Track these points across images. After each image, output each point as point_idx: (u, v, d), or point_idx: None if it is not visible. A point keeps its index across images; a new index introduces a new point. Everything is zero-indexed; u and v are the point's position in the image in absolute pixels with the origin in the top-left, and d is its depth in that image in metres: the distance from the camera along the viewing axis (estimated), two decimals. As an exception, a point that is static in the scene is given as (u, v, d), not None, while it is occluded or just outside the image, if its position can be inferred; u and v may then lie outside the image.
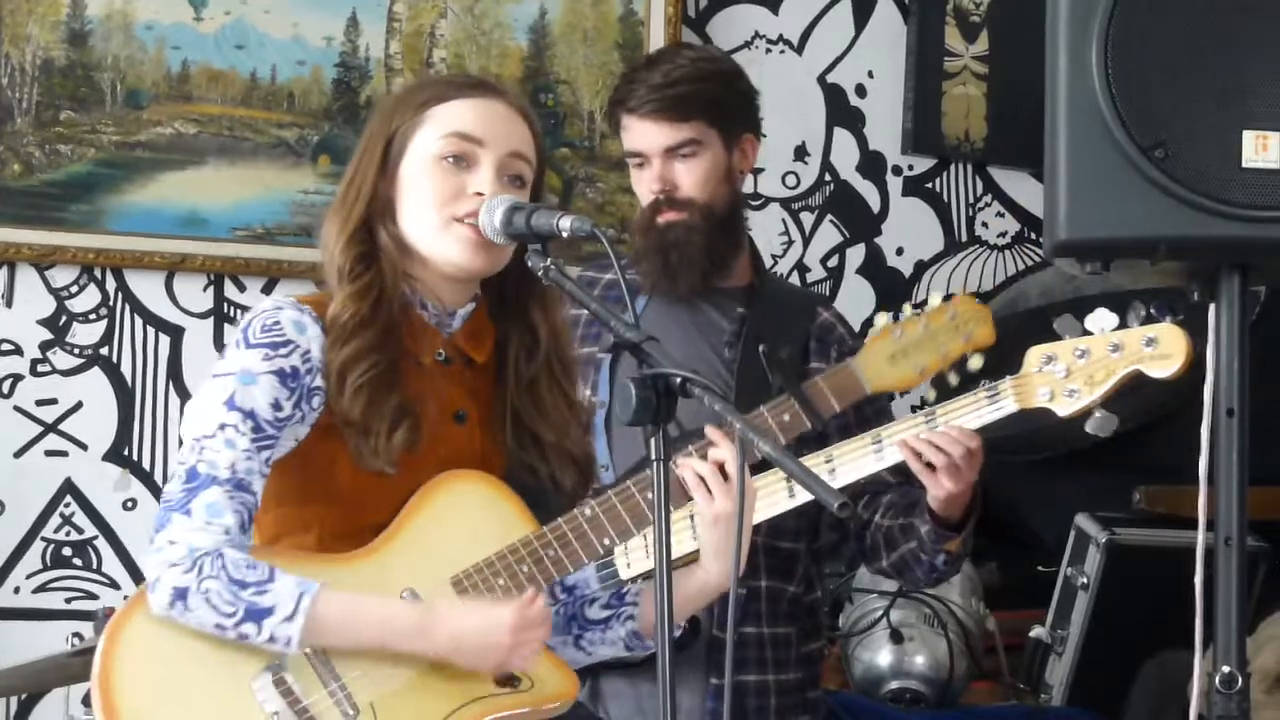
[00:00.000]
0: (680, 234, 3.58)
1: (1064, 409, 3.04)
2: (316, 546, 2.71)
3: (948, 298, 3.24)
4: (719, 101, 3.63)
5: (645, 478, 2.73)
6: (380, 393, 2.67)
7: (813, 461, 3.24)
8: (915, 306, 3.24)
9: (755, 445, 2.34)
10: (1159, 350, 2.91)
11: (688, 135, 3.58)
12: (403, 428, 2.66)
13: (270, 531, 2.75)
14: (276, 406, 2.66)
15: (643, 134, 3.60)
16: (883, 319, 3.23)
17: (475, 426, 2.79)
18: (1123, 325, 2.96)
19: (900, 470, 3.31)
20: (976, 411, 3.18)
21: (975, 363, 3.25)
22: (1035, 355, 3.09)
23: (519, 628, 2.62)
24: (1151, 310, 2.90)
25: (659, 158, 3.59)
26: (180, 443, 2.73)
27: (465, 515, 2.73)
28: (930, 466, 3.21)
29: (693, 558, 2.85)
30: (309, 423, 2.70)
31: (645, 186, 3.62)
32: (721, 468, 2.76)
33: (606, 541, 2.75)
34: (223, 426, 2.64)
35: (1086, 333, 3.02)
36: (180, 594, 2.58)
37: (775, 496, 3.30)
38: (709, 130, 3.60)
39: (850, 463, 3.26)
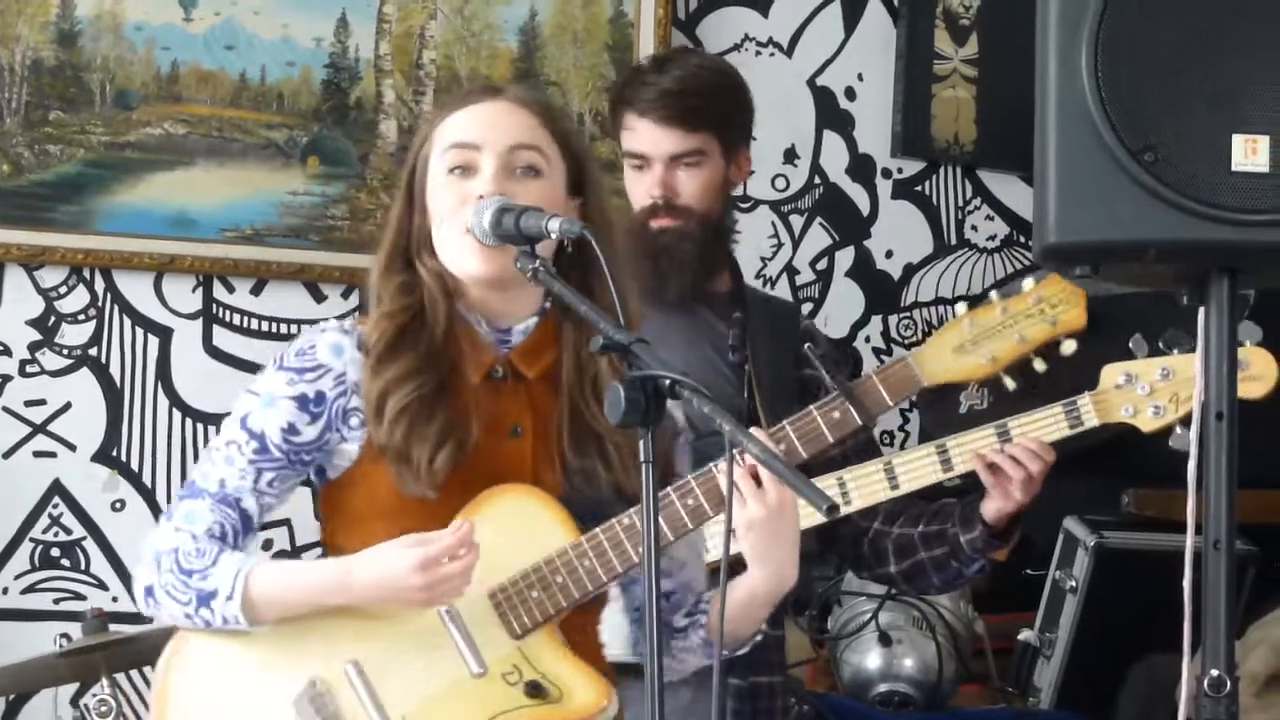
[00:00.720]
0: (673, 240, 3.57)
1: (1148, 425, 3.16)
2: None
3: (1039, 281, 3.21)
4: (728, 116, 3.64)
5: (686, 484, 2.78)
6: (421, 418, 2.69)
7: (870, 469, 3.27)
8: (1002, 294, 3.21)
9: (745, 448, 2.33)
10: (1249, 372, 2.99)
11: (695, 145, 3.58)
12: (444, 451, 2.68)
13: (346, 547, 2.77)
14: (291, 430, 2.72)
15: (649, 138, 3.59)
16: (962, 308, 3.21)
17: (529, 440, 2.78)
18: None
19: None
20: (1055, 426, 3.22)
21: (1068, 347, 3.22)
22: (1114, 372, 3.22)
23: (425, 566, 2.60)
24: (1244, 342, 2.97)
25: (662, 163, 3.58)
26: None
27: (506, 529, 2.73)
28: (999, 475, 3.25)
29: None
30: (356, 442, 2.74)
31: (643, 189, 3.61)
32: (754, 473, 2.76)
33: (642, 550, 2.74)
34: (229, 443, 2.74)
35: (1159, 351, 3.10)
36: (149, 591, 2.69)
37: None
38: (713, 142, 3.60)
39: (913, 472, 3.28)
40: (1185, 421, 3.07)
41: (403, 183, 2.81)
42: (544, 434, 2.79)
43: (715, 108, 3.61)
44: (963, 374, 3.26)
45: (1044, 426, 3.24)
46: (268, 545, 4.41)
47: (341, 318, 2.85)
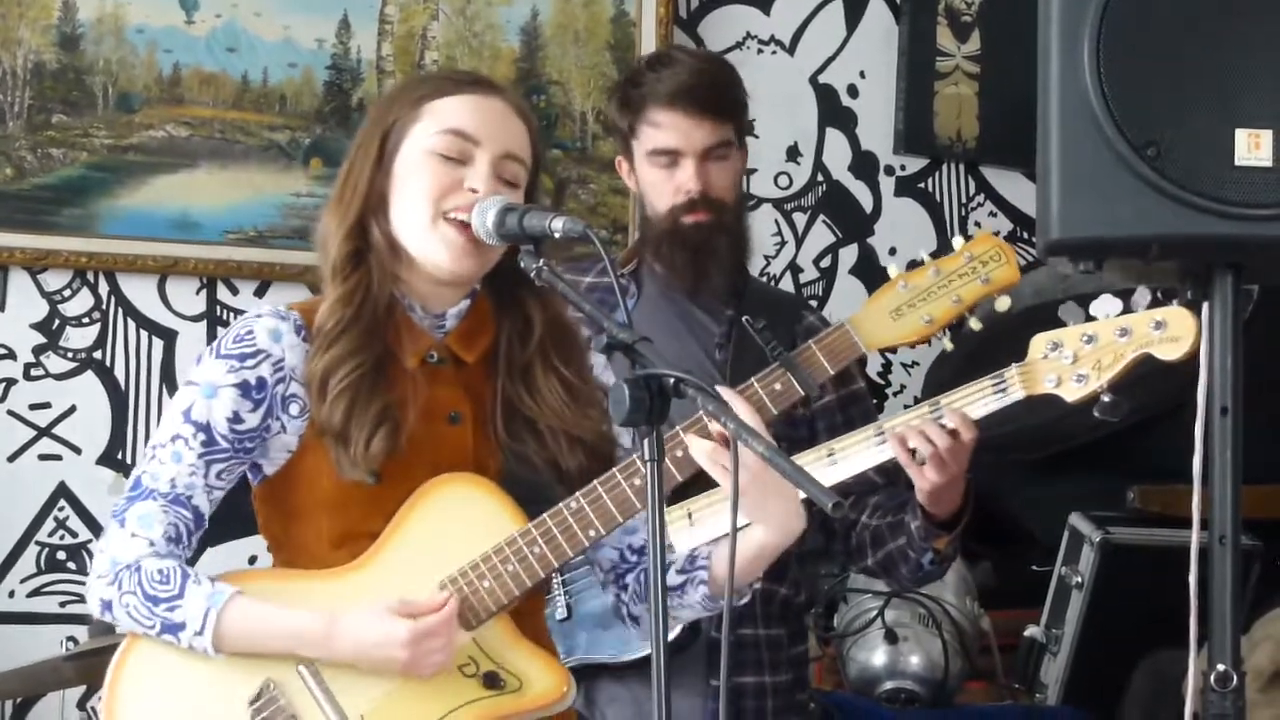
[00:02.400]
0: (709, 235, 3.56)
1: (1071, 394, 3.02)
2: (321, 557, 2.71)
3: (967, 239, 3.17)
4: (743, 106, 3.67)
5: (632, 465, 2.74)
6: (361, 397, 2.66)
7: (814, 455, 3.23)
8: (931, 254, 3.17)
9: (748, 444, 2.33)
10: (1168, 333, 2.90)
11: (725, 136, 3.58)
12: (380, 435, 2.66)
13: (284, 544, 2.77)
14: (236, 420, 2.67)
15: (681, 131, 3.56)
16: (893, 270, 3.16)
17: (469, 426, 2.77)
18: (1127, 311, 2.95)
19: (887, 471, 3.29)
20: (982, 400, 3.14)
21: (1003, 304, 3.18)
22: (1040, 342, 3.08)
23: (413, 642, 2.61)
24: (1158, 294, 2.90)
25: (696, 157, 3.56)
26: None
27: (453, 519, 2.72)
28: (915, 455, 3.19)
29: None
30: (295, 432, 2.70)
31: (673, 185, 3.58)
32: (724, 440, 2.70)
33: (592, 533, 2.73)
34: (175, 438, 2.69)
35: (1091, 318, 3.01)
36: (106, 605, 2.66)
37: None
38: (734, 133, 3.61)
39: (853, 455, 3.23)
40: (1110, 389, 3.01)
41: (372, 144, 2.76)
42: (482, 419, 2.78)
43: (733, 96, 3.63)
44: (901, 337, 3.23)
45: (972, 400, 3.17)
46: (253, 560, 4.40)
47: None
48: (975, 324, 3.21)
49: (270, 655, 2.64)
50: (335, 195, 2.79)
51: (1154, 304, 2.92)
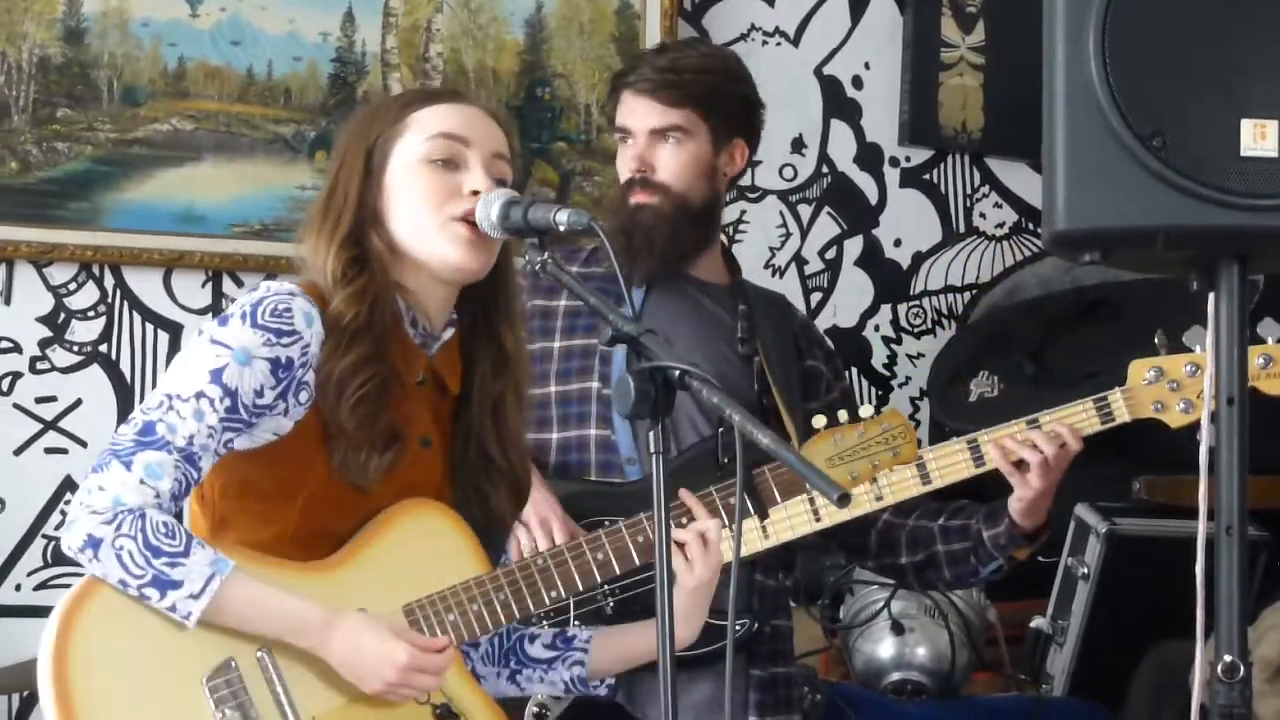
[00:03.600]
0: (647, 217, 3.56)
1: (1176, 421, 3.27)
2: (270, 544, 2.68)
3: (878, 410, 3.28)
4: (715, 95, 3.62)
5: (597, 538, 2.85)
6: (376, 409, 2.67)
7: (909, 473, 3.31)
8: (852, 417, 3.25)
9: (755, 438, 2.33)
10: (1275, 369, 3.04)
11: (676, 120, 3.58)
12: (393, 450, 2.67)
13: (229, 519, 2.72)
14: (259, 393, 2.63)
15: (633, 110, 3.60)
16: (820, 422, 3.25)
17: (438, 453, 2.80)
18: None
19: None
20: (1086, 420, 3.30)
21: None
22: (1140, 368, 3.32)
23: (408, 669, 2.61)
24: (1257, 330, 3.01)
25: (644, 137, 3.59)
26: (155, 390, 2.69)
27: (424, 546, 2.75)
28: (1020, 465, 3.27)
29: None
30: (293, 418, 2.68)
31: (625, 164, 3.62)
32: (703, 536, 2.81)
33: (553, 594, 2.81)
34: (199, 395, 2.61)
35: (1184, 349, 3.18)
36: (94, 543, 2.56)
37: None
38: (699, 122, 3.60)
39: (946, 468, 3.32)
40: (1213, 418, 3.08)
41: (356, 159, 2.75)
42: (444, 448, 2.81)
43: (702, 85, 3.60)
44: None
45: (1075, 420, 3.31)
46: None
47: None
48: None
49: (244, 635, 2.62)
50: (318, 215, 2.78)
51: (1253, 341, 3.05)
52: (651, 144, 3.59)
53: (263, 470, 2.69)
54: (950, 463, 3.35)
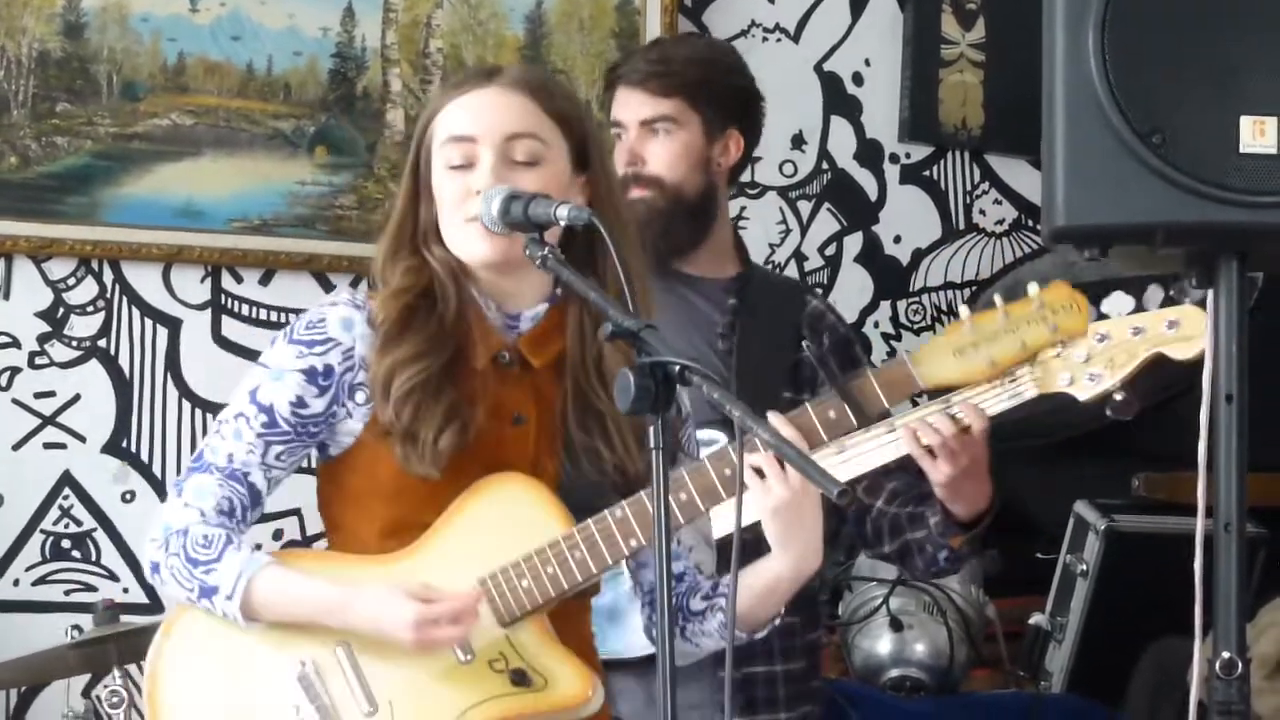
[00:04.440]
0: (639, 212, 3.52)
1: (1084, 393, 3.02)
2: (372, 542, 2.75)
3: (1045, 286, 3.16)
4: (706, 85, 3.60)
5: (680, 479, 2.74)
6: (428, 398, 2.69)
7: (825, 451, 3.20)
8: (1005, 298, 3.16)
9: (754, 433, 2.33)
10: (1181, 332, 2.90)
11: (665, 111, 3.57)
12: (449, 433, 2.68)
13: (338, 524, 2.81)
14: (300, 404, 2.72)
15: (624, 103, 3.60)
16: (964, 311, 3.14)
17: (533, 429, 2.78)
18: (1139, 309, 2.95)
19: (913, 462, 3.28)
20: (995, 397, 3.13)
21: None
22: None
23: (418, 626, 2.63)
24: (1171, 293, 2.91)
25: (635, 129, 3.58)
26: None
27: (502, 518, 2.74)
28: (930, 452, 3.17)
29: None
30: (360, 419, 2.74)
31: (619, 159, 3.60)
32: (778, 456, 2.73)
33: (633, 543, 2.73)
34: (238, 416, 2.75)
35: (1103, 317, 3.00)
36: (155, 567, 2.73)
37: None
38: (689, 112, 3.58)
39: (865, 453, 3.22)
40: (1122, 388, 3.01)
41: (407, 171, 2.80)
42: (547, 422, 2.78)
43: (692, 74, 3.59)
44: (961, 377, 3.19)
45: (985, 398, 3.16)
46: (278, 535, 4.42)
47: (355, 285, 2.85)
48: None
49: (303, 628, 2.70)
50: (388, 227, 2.82)
51: (1166, 302, 2.92)
52: (642, 136, 3.58)
53: (352, 472, 2.77)
54: (870, 447, 3.24)
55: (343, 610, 2.68)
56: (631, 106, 3.59)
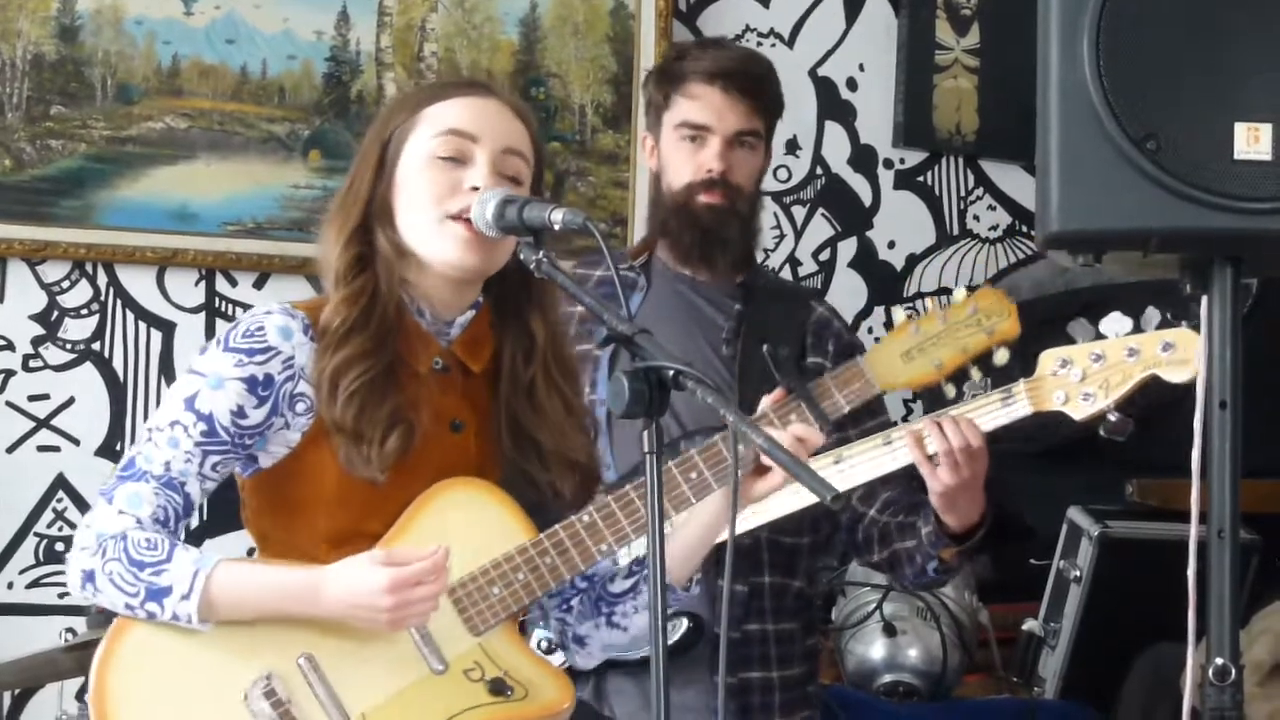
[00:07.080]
0: (722, 217, 3.58)
1: (1079, 413, 3.08)
2: (307, 552, 2.70)
3: (971, 290, 3.21)
4: (778, 106, 3.69)
5: (641, 484, 2.71)
6: (373, 399, 2.67)
7: (823, 461, 3.22)
8: (939, 303, 3.21)
9: (748, 438, 2.33)
10: (1176, 355, 2.94)
11: (756, 127, 3.61)
12: (395, 435, 2.66)
13: (267, 534, 2.78)
14: (240, 414, 2.67)
15: (716, 109, 3.60)
16: (901, 316, 3.19)
17: (472, 436, 2.78)
18: (1137, 329, 2.98)
19: (907, 473, 3.29)
20: (990, 413, 3.18)
21: (1001, 357, 3.22)
22: (1049, 359, 3.17)
23: (393, 589, 2.58)
24: (1168, 315, 2.92)
25: (724, 138, 3.59)
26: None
27: (464, 523, 2.72)
28: (932, 460, 3.19)
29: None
30: (297, 429, 2.70)
31: (697, 162, 3.60)
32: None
33: (603, 548, 2.75)
34: (174, 424, 2.68)
35: (1100, 336, 3.04)
36: (88, 576, 2.62)
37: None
38: (765, 129, 3.63)
39: (862, 462, 3.24)
40: (1118, 408, 3.04)
41: (373, 154, 2.77)
42: (484, 431, 2.79)
43: (776, 97, 3.67)
44: (912, 379, 3.25)
45: (981, 413, 3.20)
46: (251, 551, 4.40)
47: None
48: (976, 374, 3.23)
49: (260, 639, 2.63)
50: (337, 204, 2.80)
51: (1163, 324, 2.94)
52: (732, 146, 3.59)
53: (287, 483, 2.73)
54: (867, 457, 3.27)
55: (314, 591, 2.61)
56: (728, 118, 3.60)
